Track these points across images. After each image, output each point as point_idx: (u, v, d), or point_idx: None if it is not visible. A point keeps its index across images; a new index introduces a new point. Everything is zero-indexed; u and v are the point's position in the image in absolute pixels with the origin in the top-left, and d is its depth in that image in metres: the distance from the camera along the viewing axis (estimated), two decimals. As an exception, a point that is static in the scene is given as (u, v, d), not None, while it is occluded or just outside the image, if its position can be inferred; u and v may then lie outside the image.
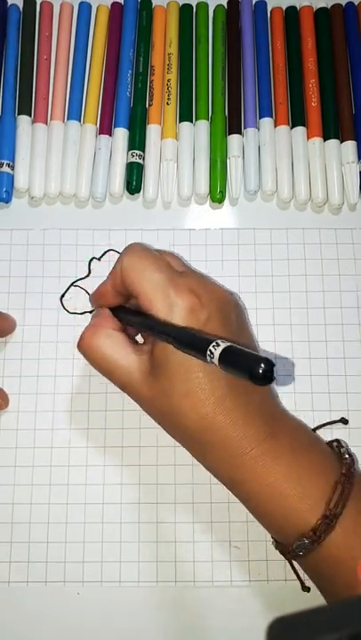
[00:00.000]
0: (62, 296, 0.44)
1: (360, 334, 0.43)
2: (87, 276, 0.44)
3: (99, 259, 0.45)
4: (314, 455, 0.32)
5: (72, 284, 0.44)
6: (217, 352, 0.27)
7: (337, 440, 0.35)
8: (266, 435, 0.31)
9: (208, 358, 0.27)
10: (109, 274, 0.34)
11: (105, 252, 0.45)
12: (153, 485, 0.40)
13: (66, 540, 0.40)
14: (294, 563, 0.35)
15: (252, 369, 0.25)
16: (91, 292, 0.36)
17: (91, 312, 0.43)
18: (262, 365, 0.25)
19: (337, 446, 0.35)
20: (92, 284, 0.44)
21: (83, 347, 0.34)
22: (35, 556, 0.39)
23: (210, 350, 0.27)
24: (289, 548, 0.31)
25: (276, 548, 0.34)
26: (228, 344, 0.27)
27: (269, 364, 0.25)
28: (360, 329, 0.43)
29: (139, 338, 0.39)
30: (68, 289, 0.44)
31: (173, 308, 0.30)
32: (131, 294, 0.33)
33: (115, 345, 0.33)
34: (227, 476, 0.32)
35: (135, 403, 0.34)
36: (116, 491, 0.40)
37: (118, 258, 0.34)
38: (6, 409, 0.41)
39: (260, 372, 0.25)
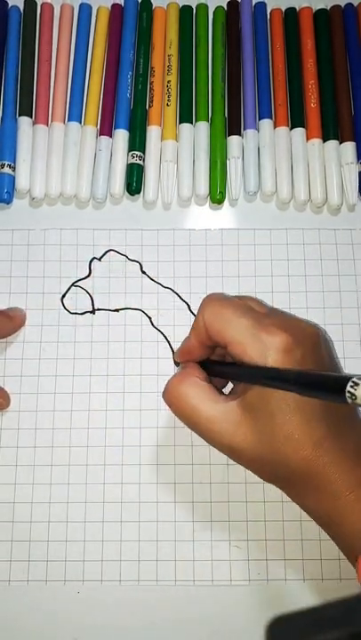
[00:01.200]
0: (63, 296, 0.44)
1: (360, 334, 0.43)
2: (88, 276, 0.44)
3: (99, 259, 0.45)
4: None
5: (73, 285, 0.44)
6: (359, 392, 0.24)
7: None
8: None
9: (349, 400, 0.24)
10: (192, 329, 0.33)
11: (105, 253, 0.45)
12: (153, 484, 0.40)
13: (66, 538, 0.40)
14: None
15: None
16: (175, 350, 0.35)
17: (92, 312, 0.44)
18: None
19: None
20: (93, 285, 0.44)
21: (167, 396, 0.33)
22: (35, 555, 0.39)
23: (349, 391, 0.24)
24: None
25: None
26: None
27: None
28: (360, 329, 0.43)
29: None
30: (68, 289, 0.44)
31: (267, 351, 0.29)
32: (218, 345, 0.32)
33: (201, 394, 0.32)
34: (322, 517, 0.31)
35: (222, 454, 0.32)
36: (116, 490, 0.40)
37: (198, 311, 0.32)
38: (7, 408, 0.42)
39: None
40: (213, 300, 0.32)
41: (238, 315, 0.31)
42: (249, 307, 0.32)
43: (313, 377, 0.27)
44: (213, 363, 0.34)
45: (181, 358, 0.35)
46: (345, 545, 0.31)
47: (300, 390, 0.27)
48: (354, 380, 0.24)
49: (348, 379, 0.24)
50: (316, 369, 0.30)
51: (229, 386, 0.37)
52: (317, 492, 0.30)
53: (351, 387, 0.24)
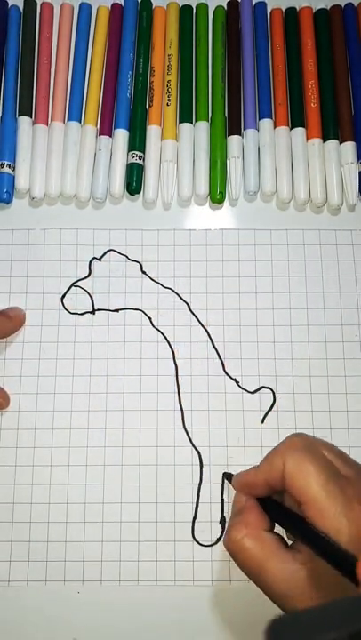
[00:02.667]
0: (63, 296, 0.44)
1: (359, 335, 0.43)
2: (88, 276, 0.44)
3: (99, 259, 0.45)
4: None
5: (73, 285, 0.44)
6: None
7: None
8: None
9: None
10: (264, 465, 0.31)
11: (105, 252, 0.45)
12: (153, 485, 0.40)
13: (66, 539, 0.40)
14: None
15: None
16: (236, 476, 0.33)
17: (91, 312, 0.44)
18: None
19: None
20: (93, 285, 0.44)
21: (231, 547, 0.31)
22: (35, 556, 0.39)
23: None
24: None
25: None
26: None
27: None
28: (359, 329, 0.43)
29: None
30: (68, 289, 0.44)
31: (345, 529, 0.27)
32: (291, 496, 0.30)
33: (268, 552, 0.30)
34: None
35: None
36: (116, 490, 0.40)
37: (277, 454, 0.30)
38: (7, 408, 0.42)
39: None
40: (300, 447, 0.30)
41: (323, 478, 0.29)
42: (331, 465, 0.30)
43: None
44: (277, 507, 0.32)
45: (239, 487, 0.33)
46: None
47: None
48: None
49: None
50: None
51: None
52: None
53: None
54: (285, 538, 0.32)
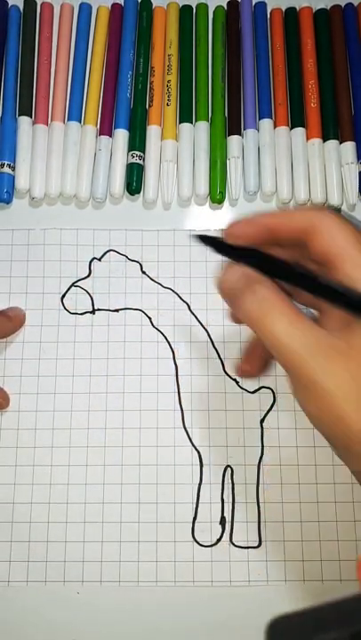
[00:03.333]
0: (63, 296, 0.44)
1: None
2: (88, 276, 0.44)
3: (99, 259, 0.45)
4: None
5: (73, 285, 0.44)
6: None
7: None
8: None
9: None
10: (278, 212, 0.27)
11: (105, 253, 0.45)
12: (153, 485, 0.40)
13: (66, 539, 0.40)
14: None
15: None
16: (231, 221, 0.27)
17: (92, 312, 0.44)
18: None
19: None
20: (93, 285, 0.44)
21: (258, 327, 0.25)
22: (34, 556, 0.39)
23: None
24: None
25: None
26: None
27: None
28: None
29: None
30: (68, 289, 0.44)
31: None
32: (316, 255, 0.25)
33: (314, 332, 0.24)
34: None
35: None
36: (116, 490, 0.40)
37: (300, 211, 0.27)
38: (7, 409, 0.42)
39: None
40: (331, 214, 0.25)
41: (357, 237, 0.24)
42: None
43: None
44: (275, 262, 0.26)
45: (234, 229, 0.27)
46: None
47: None
48: None
49: None
50: None
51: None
52: None
53: None
54: None
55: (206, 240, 0.29)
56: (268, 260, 0.26)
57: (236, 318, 0.28)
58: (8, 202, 0.45)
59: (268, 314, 0.25)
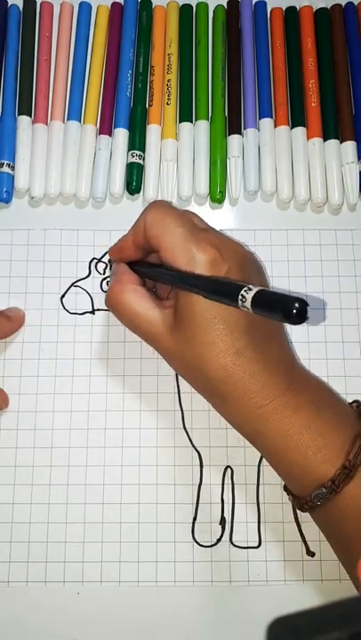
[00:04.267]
0: (63, 296, 0.44)
1: (359, 336, 0.43)
2: (88, 276, 0.44)
3: (99, 259, 0.45)
4: (334, 410, 0.34)
5: (72, 285, 0.44)
6: (249, 295, 0.27)
7: (356, 401, 0.37)
8: (286, 387, 0.32)
9: (240, 303, 0.28)
10: (131, 229, 0.36)
11: (105, 253, 0.45)
12: (152, 485, 0.40)
13: (65, 539, 0.40)
14: (302, 526, 0.37)
15: (287, 308, 0.25)
16: (110, 246, 0.39)
17: (91, 312, 0.44)
18: (296, 305, 0.25)
19: (357, 406, 0.36)
20: (93, 285, 0.44)
21: (112, 303, 0.36)
22: (34, 556, 0.39)
23: (242, 295, 0.28)
24: (306, 498, 0.32)
25: (293, 502, 0.35)
26: (260, 288, 0.28)
27: (303, 303, 0.25)
28: (359, 330, 0.43)
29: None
30: (68, 289, 0.44)
31: (195, 262, 0.32)
32: (152, 249, 0.35)
33: (141, 300, 0.35)
34: (247, 428, 0.33)
35: (161, 357, 0.36)
36: (116, 491, 0.40)
37: (141, 214, 0.35)
38: (6, 409, 0.41)
39: (295, 311, 0.25)
40: (158, 206, 0.35)
41: (177, 224, 0.33)
42: (189, 219, 0.34)
43: (218, 283, 0.30)
44: (147, 265, 0.37)
45: (113, 255, 0.38)
46: (271, 455, 0.33)
47: (208, 294, 0.31)
48: (249, 286, 0.28)
49: (245, 286, 0.28)
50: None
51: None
52: (239, 402, 0.32)
53: (245, 291, 0.28)
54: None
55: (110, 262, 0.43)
56: (141, 265, 0.37)
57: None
58: (7, 201, 0.45)
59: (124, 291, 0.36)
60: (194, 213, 0.36)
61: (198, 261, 0.32)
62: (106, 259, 0.45)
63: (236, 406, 0.33)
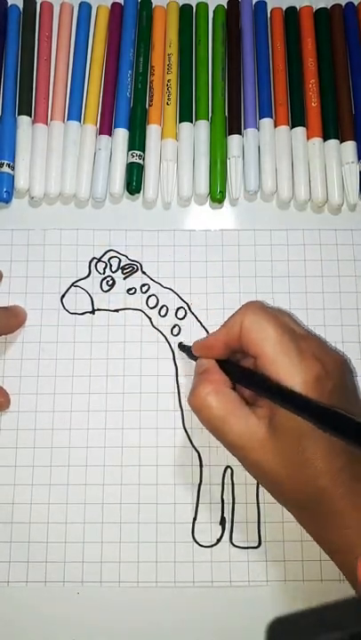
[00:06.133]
0: (63, 296, 0.44)
1: (359, 336, 0.43)
2: (88, 276, 0.44)
3: (99, 259, 0.45)
4: None
5: (72, 285, 0.44)
6: None
7: None
8: None
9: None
10: (223, 328, 0.33)
11: (105, 252, 0.45)
12: (153, 486, 0.40)
13: (65, 540, 0.40)
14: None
15: None
16: (195, 342, 0.36)
17: (91, 312, 0.44)
18: None
19: None
20: (93, 285, 0.44)
21: (197, 404, 0.32)
22: (34, 556, 0.39)
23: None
24: None
25: None
26: None
27: None
28: (359, 330, 0.43)
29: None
30: (68, 289, 0.44)
31: (299, 378, 0.29)
32: (247, 354, 0.32)
33: (230, 406, 0.32)
34: (332, 544, 0.31)
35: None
36: (116, 491, 0.40)
37: (236, 314, 0.33)
38: (7, 409, 0.41)
39: None
40: (256, 308, 0.33)
41: (278, 332, 0.31)
42: (287, 324, 0.32)
43: (334, 415, 0.27)
44: (232, 366, 0.34)
45: (200, 352, 0.35)
46: (351, 575, 0.31)
47: (318, 424, 0.27)
48: None
49: None
50: (342, 403, 0.30)
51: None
52: (328, 520, 0.30)
53: None
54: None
55: (186, 350, 0.40)
56: (231, 366, 0.34)
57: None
58: (7, 201, 0.45)
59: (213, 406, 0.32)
60: (289, 314, 0.34)
61: (303, 378, 0.29)
62: (105, 258, 0.45)
63: (322, 523, 0.31)
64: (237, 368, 0.34)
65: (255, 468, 0.32)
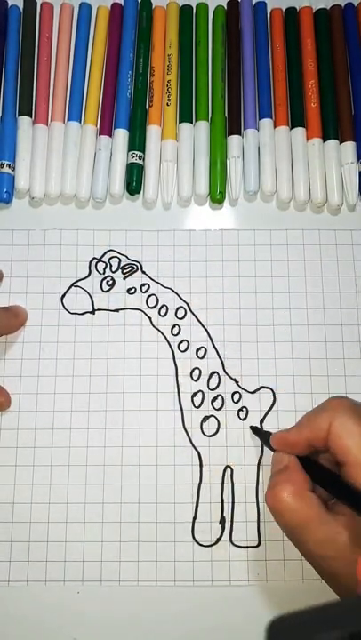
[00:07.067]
0: (63, 296, 0.44)
1: (359, 335, 0.43)
2: (88, 276, 0.44)
3: (99, 259, 0.45)
4: None
5: (73, 285, 0.44)
6: None
7: None
8: None
9: None
10: (305, 425, 0.31)
11: (105, 252, 0.45)
12: (153, 485, 0.40)
13: (66, 539, 0.40)
14: None
15: None
16: (275, 434, 0.33)
17: (91, 312, 0.44)
18: None
19: None
20: (93, 285, 0.44)
21: (275, 507, 0.30)
22: (35, 556, 0.39)
23: None
24: None
25: None
26: None
27: None
28: (359, 329, 0.43)
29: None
30: (68, 289, 0.44)
31: None
32: (334, 457, 0.30)
33: (312, 512, 0.30)
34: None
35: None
36: (116, 490, 0.40)
37: (323, 409, 0.31)
38: (8, 409, 0.42)
39: None
40: (347, 408, 0.30)
41: None
42: None
43: None
44: (313, 465, 0.32)
45: (280, 447, 0.33)
46: None
47: None
48: None
49: None
50: None
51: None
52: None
53: None
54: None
55: (260, 434, 0.41)
56: (313, 465, 0.32)
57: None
58: (8, 202, 0.45)
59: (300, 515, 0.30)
60: None
61: None
62: (105, 258, 0.45)
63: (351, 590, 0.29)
64: (321, 469, 0.31)
65: (330, 574, 0.30)
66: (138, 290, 0.44)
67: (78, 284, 0.44)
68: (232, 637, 0.39)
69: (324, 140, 0.46)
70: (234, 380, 0.42)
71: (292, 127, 0.47)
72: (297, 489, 0.30)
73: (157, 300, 0.44)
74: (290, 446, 0.32)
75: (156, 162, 0.46)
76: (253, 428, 0.41)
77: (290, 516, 0.30)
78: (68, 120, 0.47)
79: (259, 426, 0.41)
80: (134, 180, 0.45)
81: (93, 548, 0.40)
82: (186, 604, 0.39)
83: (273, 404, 0.42)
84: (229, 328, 0.43)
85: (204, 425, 0.41)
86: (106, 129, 0.47)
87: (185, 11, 0.50)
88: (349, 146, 0.46)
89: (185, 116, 0.47)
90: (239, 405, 0.42)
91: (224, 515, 0.40)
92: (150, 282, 0.44)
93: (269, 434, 0.34)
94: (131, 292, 0.44)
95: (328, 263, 0.45)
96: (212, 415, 0.42)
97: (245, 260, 0.45)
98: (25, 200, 0.46)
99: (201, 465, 0.41)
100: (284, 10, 0.50)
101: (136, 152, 0.46)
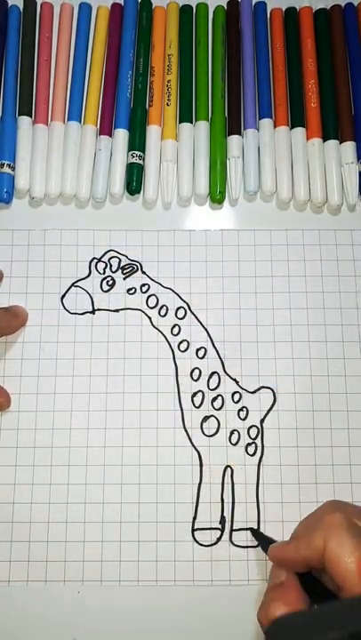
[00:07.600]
0: (63, 296, 0.44)
1: (359, 335, 0.43)
2: (88, 276, 0.44)
3: (99, 259, 0.45)
4: None
5: (73, 285, 0.44)
6: None
7: None
8: None
9: None
10: (301, 543, 0.29)
11: (105, 252, 0.45)
12: (153, 485, 0.40)
13: (66, 539, 0.40)
14: None
15: None
16: (273, 549, 0.32)
17: (91, 312, 0.44)
18: None
19: None
20: (93, 285, 0.44)
21: (267, 622, 0.29)
22: (35, 556, 0.39)
23: None
24: None
25: None
26: None
27: None
28: (359, 329, 0.43)
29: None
30: (68, 289, 0.44)
31: None
32: (330, 577, 0.29)
33: None
34: None
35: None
36: (116, 490, 0.40)
37: (318, 530, 0.29)
38: (8, 409, 0.42)
39: None
40: (341, 528, 0.29)
41: None
42: None
43: None
44: (319, 586, 0.30)
45: (276, 562, 0.32)
46: None
47: None
48: None
49: None
50: None
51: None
52: None
53: None
54: None
55: (260, 539, 0.39)
56: (311, 582, 0.30)
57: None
58: (8, 202, 0.45)
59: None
60: None
61: None
62: (105, 258, 0.45)
63: None
64: (320, 588, 0.30)
65: None
66: (138, 290, 0.44)
67: (78, 284, 0.44)
68: (232, 637, 0.39)
69: (324, 140, 0.46)
70: (234, 380, 0.42)
71: (292, 127, 0.47)
72: (290, 610, 0.28)
73: (157, 300, 0.44)
74: (286, 564, 0.31)
75: (156, 162, 0.46)
76: (254, 532, 0.40)
77: (285, 635, 0.28)
78: (68, 120, 0.47)
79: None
80: (134, 180, 0.45)
81: (93, 548, 0.40)
82: (186, 604, 0.39)
83: (273, 404, 0.42)
84: (229, 328, 0.43)
85: (205, 425, 0.42)
86: (106, 129, 0.47)
87: (185, 11, 0.50)
88: (349, 146, 0.46)
89: (185, 115, 0.47)
90: (239, 405, 0.42)
91: (224, 515, 0.40)
92: (150, 282, 0.44)
93: (270, 541, 0.33)
94: (131, 292, 0.44)
95: (328, 263, 0.45)
96: (212, 415, 0.42)
97: (245, 260, 0.45)
98: (25, 200, 0.46)
99: (201, 465, 0.41)
100: (284, 10, 0.50)
101: (136, 152, 0.46)
